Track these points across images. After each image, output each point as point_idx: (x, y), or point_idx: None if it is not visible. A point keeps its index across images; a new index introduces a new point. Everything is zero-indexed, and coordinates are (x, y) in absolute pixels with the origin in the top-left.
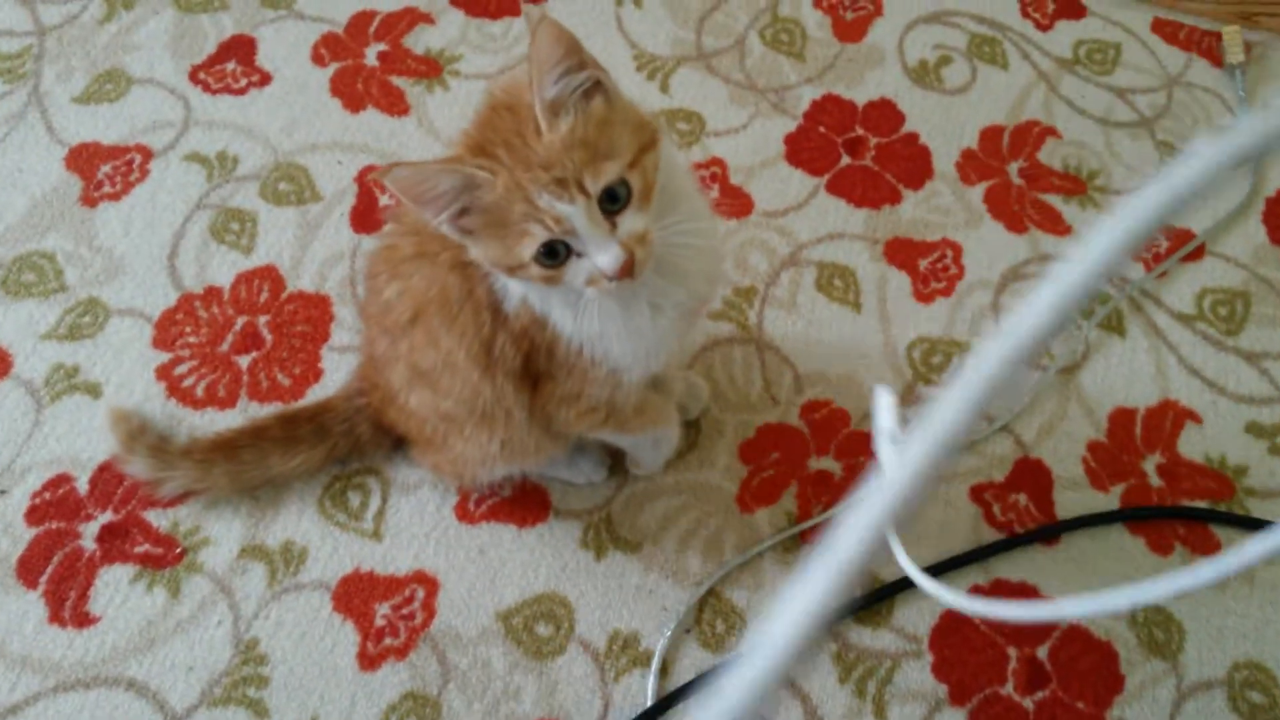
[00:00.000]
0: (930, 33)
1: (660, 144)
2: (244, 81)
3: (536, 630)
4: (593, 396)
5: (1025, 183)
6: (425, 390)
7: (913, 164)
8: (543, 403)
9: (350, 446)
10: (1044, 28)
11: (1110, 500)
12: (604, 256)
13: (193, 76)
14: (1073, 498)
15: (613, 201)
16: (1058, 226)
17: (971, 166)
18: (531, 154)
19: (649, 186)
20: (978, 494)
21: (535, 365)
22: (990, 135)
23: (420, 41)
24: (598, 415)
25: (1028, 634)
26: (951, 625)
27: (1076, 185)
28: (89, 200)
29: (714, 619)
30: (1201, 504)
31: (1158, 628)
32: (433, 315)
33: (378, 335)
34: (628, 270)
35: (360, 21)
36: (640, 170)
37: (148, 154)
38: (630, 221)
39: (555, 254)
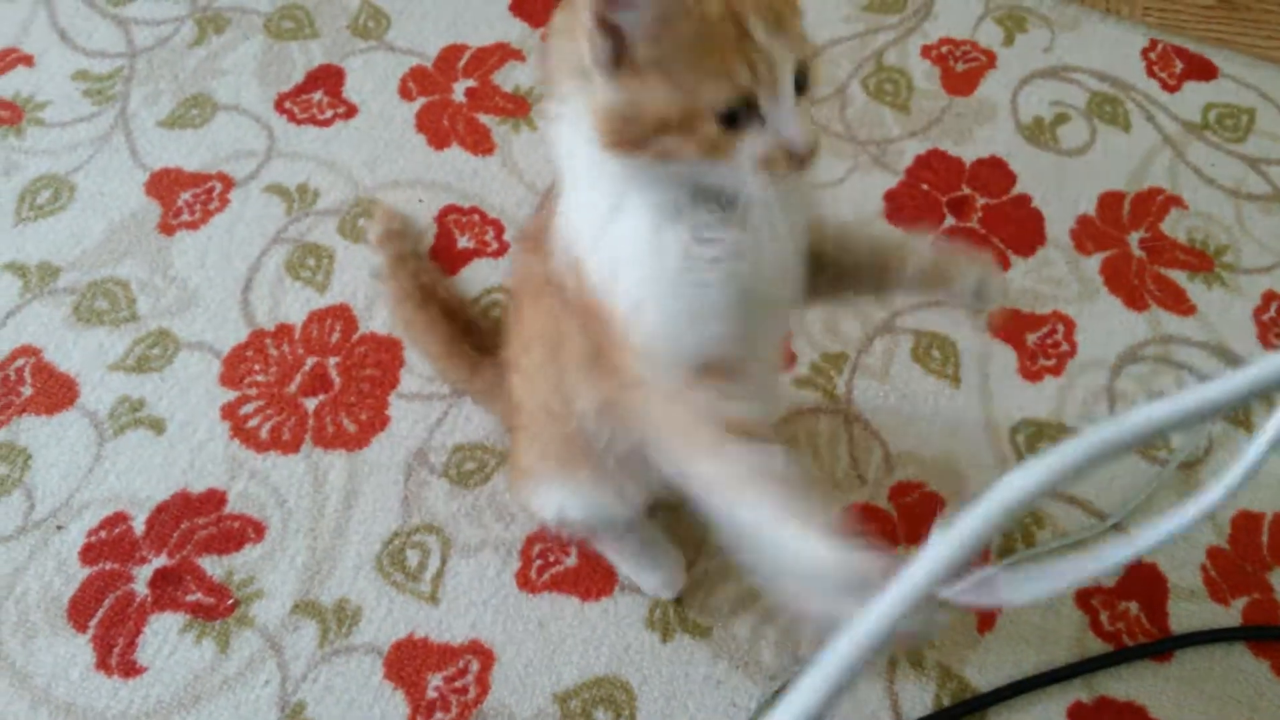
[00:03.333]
0: (1047, 88)
1: None
2: (330, 113)
3: (595, 716)
4: (636, 366)
5: (1146, 255)
6: (519, 379)
7: (1023, 228)
8: (603, 384)
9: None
10: (1171, 89)
11: (1231, 615)
12: (797, 129)
13: (278, 105)
14: (1189, 609)
15: (802, 79)
16: (1181, 305)
17: (1088, 234)
18: None
19: (818, 79)
20: (1084, 599)
21: (600, 351)
22: (1109, 202)
23: (510, 79)
24: (650, 400)
25: None
26: None
27: (1203, 261)
28: (167, 228)
29: None
30: None
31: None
32: (525, 303)
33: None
34: (810, 155)
35: (450, 56)
36: (817, 61)
37: (229, 183)
38: (806, 115)
39: (734, 123)
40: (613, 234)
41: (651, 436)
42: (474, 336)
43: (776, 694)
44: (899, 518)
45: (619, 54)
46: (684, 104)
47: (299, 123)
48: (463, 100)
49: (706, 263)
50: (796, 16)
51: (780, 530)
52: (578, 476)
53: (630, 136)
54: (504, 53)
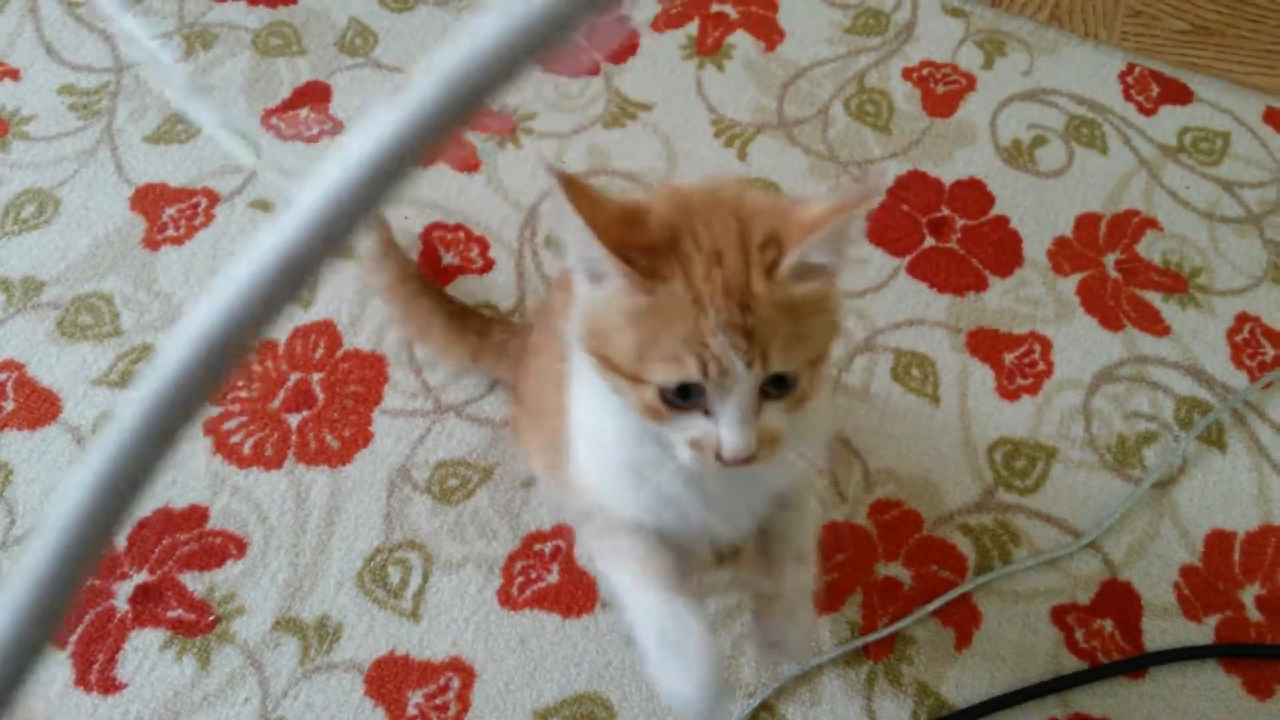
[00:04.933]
0: (1026, 111)
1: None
2: (316, 129)
3: None
4: (575, 490)
5: (1122, 276)
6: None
7: (1002, 249)
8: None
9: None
10: (1147, 112)
11: (1204, 633)
12: (733, 436)
13: (264, 121)
14: (1162, 627)
15: (776, 386)
16: (1155, 326)
17: (1065, 256)
18: (740, 287)
19: (810, 392)
20: (1060, 616)
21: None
22: (1086, 223)
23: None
24: (576, 503)
25: None
26: None
27: (1177, 283)
28: (151, 243)
29: None
30: None
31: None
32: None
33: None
34: (741, 463)
35: None
36: (814, 371)
37: (214, 198)
38: (774, 416)
39: (686, 396)
40: (586, 393)
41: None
42: (471, 315)
43: (757, 710)
44: (878, 535)
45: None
46: (633, 363)
47: (285, 139)
48: None
49: (647, 466)
50: (794, 338)
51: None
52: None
53: (592, 349)
54: None
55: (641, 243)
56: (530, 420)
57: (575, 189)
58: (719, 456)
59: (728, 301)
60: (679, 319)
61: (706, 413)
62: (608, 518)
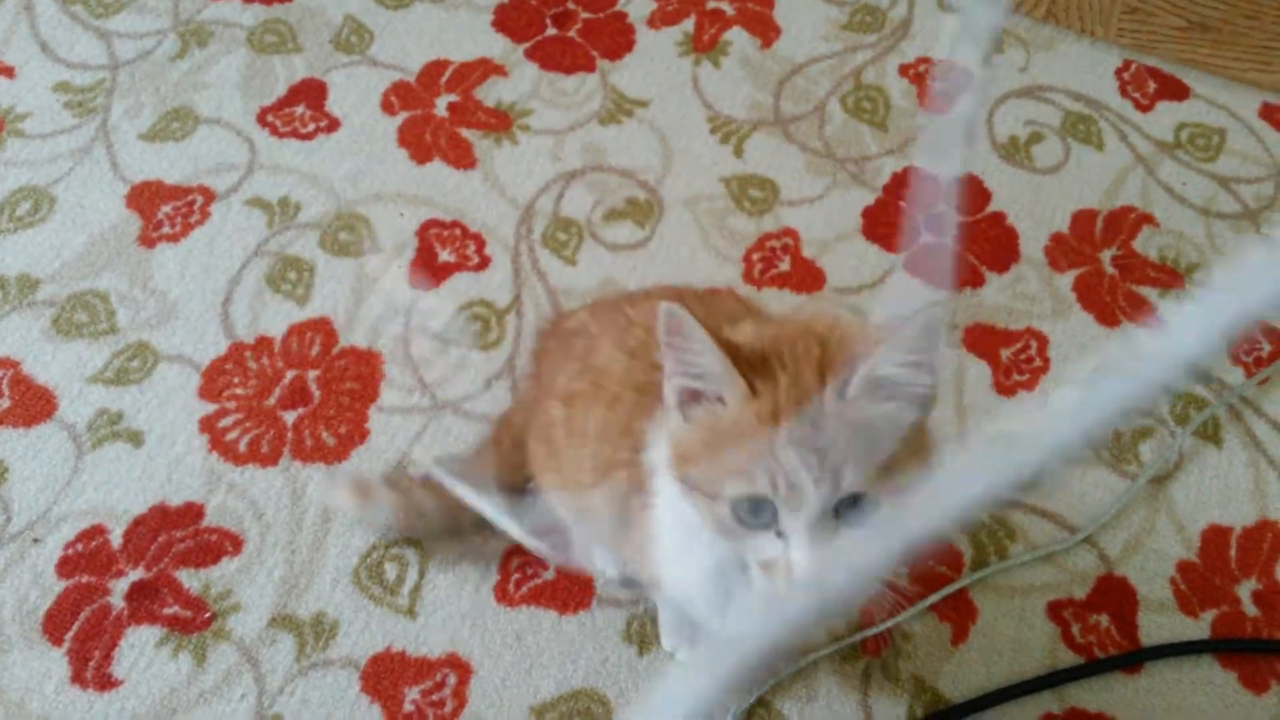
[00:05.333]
0: (1022, 108)
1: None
2: (312, 126)
3: None
4: (643, 568)
5: (1119, 272)
6: (562, 419)
7: (998, 245)
8: (630, 536)
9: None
10: (1144, 108)
11: (1200, 628)
12: (803, 557)
13: (260, 118)
14: (1158, 622)
15: (850, 507)
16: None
17: (1061, 252)
18: (813, 403)
19: (885, 502)
20: (1056, 611)
21: (632, 506)
22: (1083, 219)
23: (492, 94)
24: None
25: None
26: None
27: (1174, 278)
28: (147, 240)
29: None
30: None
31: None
32: (602, 401)
33: (580, 354)
34: (813, 583)
35: (433, 71)
36: (894, 487)
37: (210, 196)
38: (849, 540)
39: (758, 513)
40: (675, 507)
41: None
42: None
43: (754, 706)
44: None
45: (686, 411)
46: (708, 479)
47: (281, 136)
48: (445, 115)
49: (731, 583)
50: (870, 460)
51: None
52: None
53: (679, 473)
54: (486, 68)
55: (741, 360)
56: (554, 465)
57: (693, 313)
58: (789, 576)
59: (800, 418)
60: (755, 434)
61: (779, 534)
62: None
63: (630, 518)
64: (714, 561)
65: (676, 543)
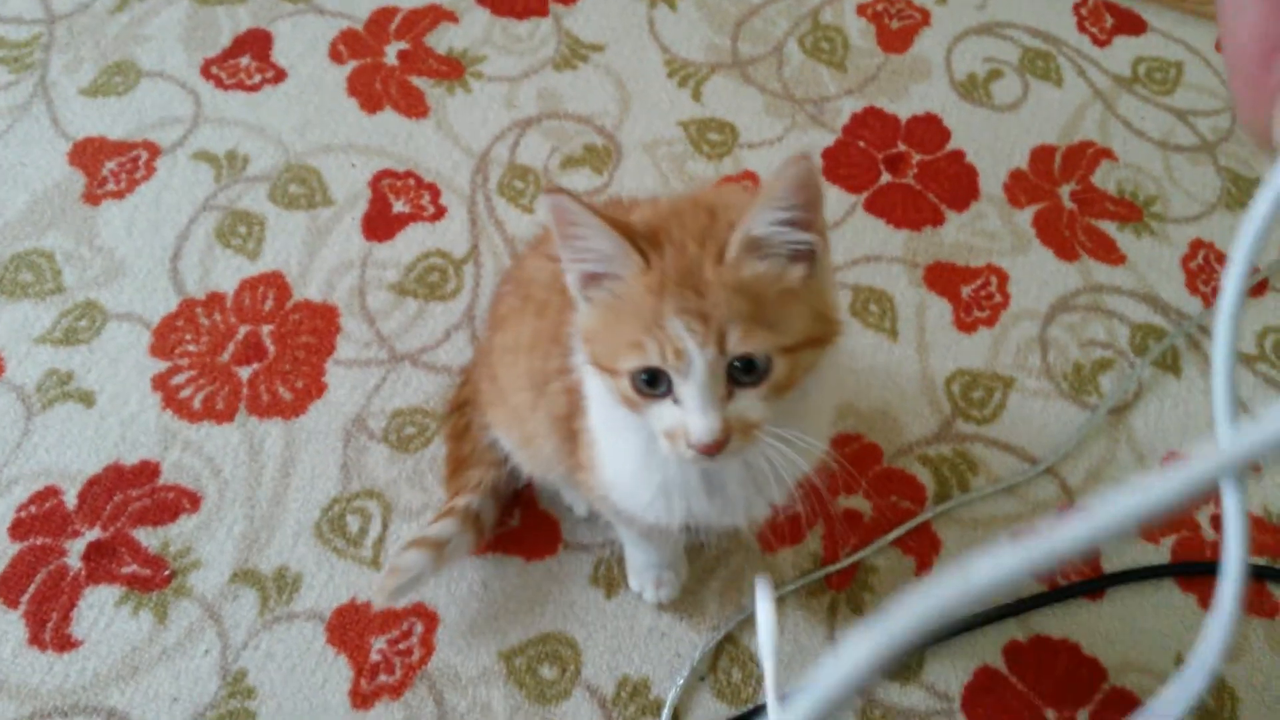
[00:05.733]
0: (980, 45)
1: (831, 346)
2: (258, 78)
3: (540, 672)
4: (593, 484)
5: (1077, 207)
6: (500, 343)
7: (958, 184)
8: (570, 450)
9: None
10: (1101, 43)
11: (1161, 553)
12: (699, 421)
13: (205, 71)
14: (1120, 549)
15: (746, 372)
16: (1111, 255)
17: (1020, 188)
18: (696, 272)
19: (792, 380)
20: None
21: (574, 421)
22: (1041, 155)
23: (443, 41)
24: (594, 499)
25: (1068, 695)
26: (986, 684)
27: (1132, 211)
28: (92, 198)
29: (730, 667)
30: (1259, 560)
31: (1208, 694)
32: (530, 311)
33: (513, 276)
34: (712, 450)
35: (381, 18)
36: (793, 360)
37: (155, 151)
38: (748, 403)
39: (655, 383)
40: (601, 409)
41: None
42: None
43: (720, 643)
44: (839, 469)
45: (589, 295)
46: (609, 355)
47: (226, 88)
48: (395, 63)
49: (656, 462)
50: (757, 320)
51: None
52: (528, 458)
53: (590, 356)
54: (436, 14)
55: (633, 235)
56: (497, 394)
57: (578, 197)
58: (689, 443)
59: (681, 287)
60: (644, 308)
61: (676, 402)
62: (627, 520)
63: (572, 432)
64: (643, 446)
65: (610, 440)
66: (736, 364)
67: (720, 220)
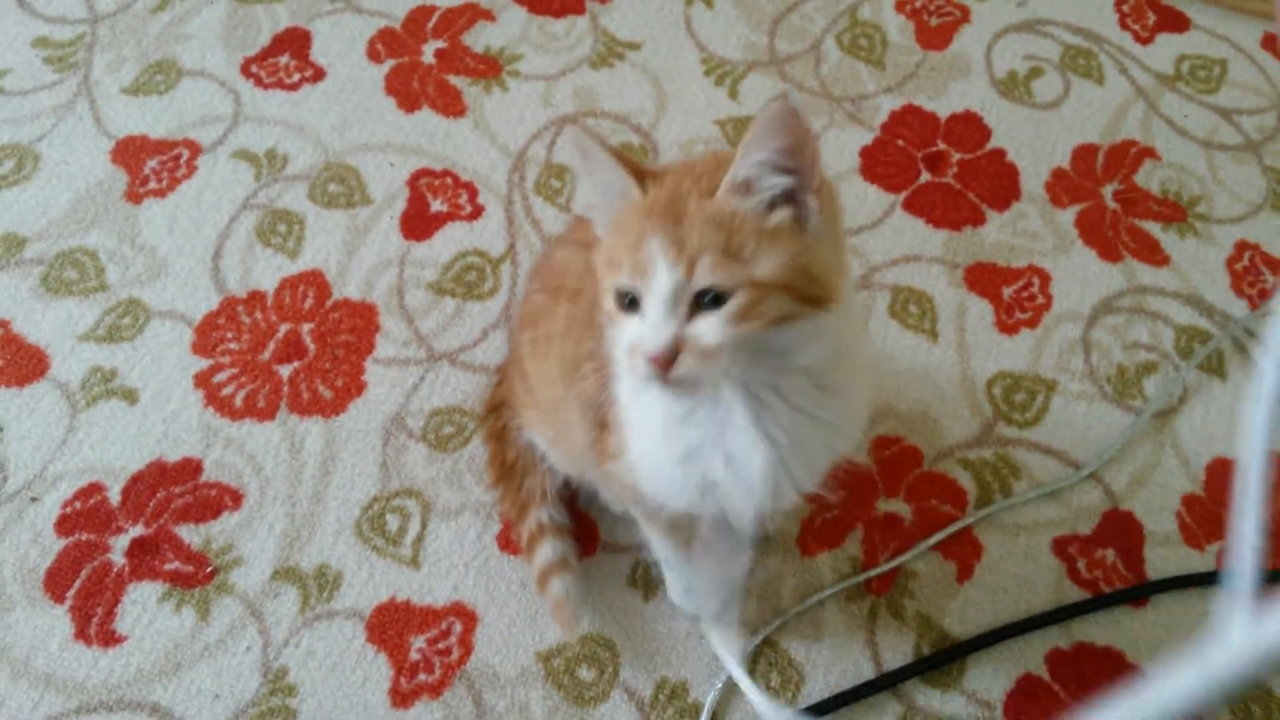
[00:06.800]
0: (1021, 42)
1: (824, 314)
2: (297, 76)
3: (579, 674)
4: (622, 473)
5: (1120, 207)
6: (530, 340)
7: (998, 183)
8: (600, 444)
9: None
10: (1144, 41)
11: (1206, 560)
12: (651, 332)
13: (244, 70)
14: (1165, 556)
15: (714, 306)
16: (1155, 256)
17: (1063, 187)
18: (681, 203)
19: (753, 314)
20: (1061, 547)
21: (606, 410)
22: (1084, 154)
23: (480, 39)
24: (623, 493)
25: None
26: (1028, 691)
27: (1176, 212)
28: (134, 196)
29: (769, 671)
30: None
31: (1256, 703)
32: (563, 301)
33: (539, 273)
34: (660, 364)
35: (419, 17)
36: (759, 294)
37: (196, 149)
38: (707, 328)
39: (634, 306)
40: (632, 387)
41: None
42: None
43: (759, 647)
44: (879, 471)
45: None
46: (604, 270)
47: (266, 87)
48: (432, 62)
49: (677, 431)
50: (728, 254)
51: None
52: (561, 454)
53: (601, 282)
54: (473, 13)
55: (636, 169)
56: (529, 394)
57: (591, 131)
58: (639, 355)
59: (665, 215)
60: (631, 230)
61: (641, 318)
62: (655, 510)
63: (602, 421)
64: (666, 415)
65: (634, 411)
66: (703, 296)
67: (725, 167)
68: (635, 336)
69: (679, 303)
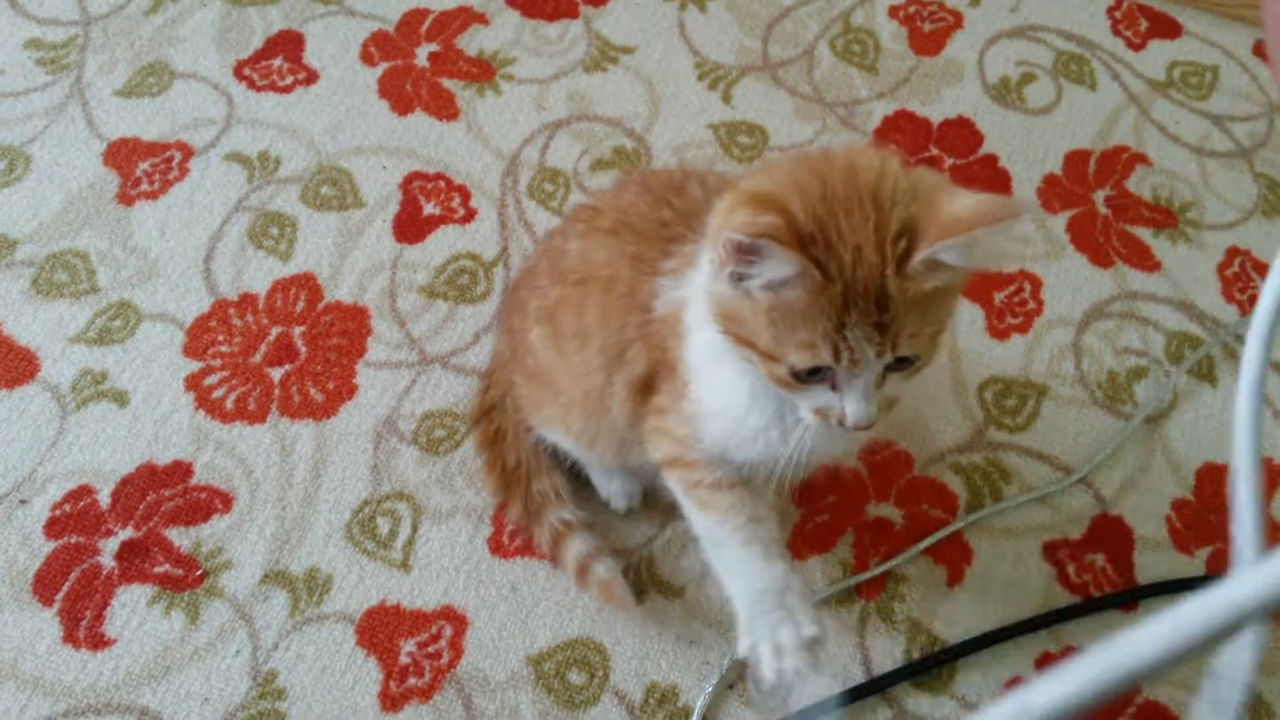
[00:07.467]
0: (1013, 48)
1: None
2: (290, 79)
3: (569, 678)
4: (674, 425)
5: (1112, 213)
6: (549, 336)
7: (990, 188)
8: (643, 409)
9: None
10: (1136, 47)
11: (1196, 565)
12: (856, 408)
13: (237, 72)
14: (1154, 560)
15: (899, 364)
16: (1146, 262)
17: (1054, 193)
18: (876, 284)
19: (927, 363)
20: (1051, 552)
21: (655, 377)
22: (1075, 160)
23: (473, 43)
24: (670, 447)
25: (1102, 710)
26: None
27: (1167, 218)
28: (126, 198)
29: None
30: None
31: (1247, 711)
32: (594, 291)
33: (545, 271)
34: (864, 428)
35: (412, 20)
36: (934, 345)
37: (188, 152)
38: (895, 385)
39: (817, 373)
40: (712, 353)
41: (656, 461)
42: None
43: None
44: (870, 475)
45: (741, 276)
46: (771, 346)
47: (259, 90)
48: (426, 65)
49: (769, 417)
50: (922, 325)
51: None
52: (572, 431)
53: (725, 329)
54: (467, 16)
55: (801, 238)
56: (544, 391)
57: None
58: (843, 424)
59: (866, 301)
60: (822, 315)
61: (833, 387)
62: (713, 467)
63: (647, 387)
64: (754, 382)
65: (718, 375)
66: (896, 360)
67: (888, 214)
68: (828, 405)
69: (878, 376)
